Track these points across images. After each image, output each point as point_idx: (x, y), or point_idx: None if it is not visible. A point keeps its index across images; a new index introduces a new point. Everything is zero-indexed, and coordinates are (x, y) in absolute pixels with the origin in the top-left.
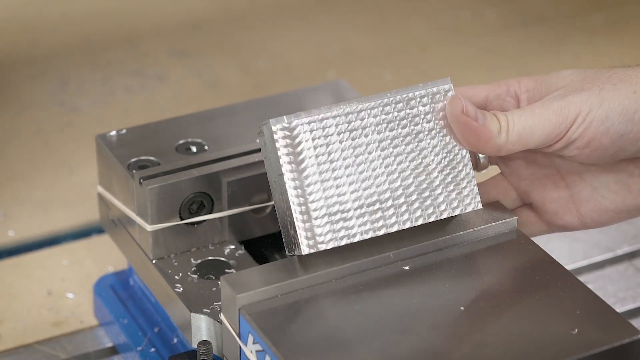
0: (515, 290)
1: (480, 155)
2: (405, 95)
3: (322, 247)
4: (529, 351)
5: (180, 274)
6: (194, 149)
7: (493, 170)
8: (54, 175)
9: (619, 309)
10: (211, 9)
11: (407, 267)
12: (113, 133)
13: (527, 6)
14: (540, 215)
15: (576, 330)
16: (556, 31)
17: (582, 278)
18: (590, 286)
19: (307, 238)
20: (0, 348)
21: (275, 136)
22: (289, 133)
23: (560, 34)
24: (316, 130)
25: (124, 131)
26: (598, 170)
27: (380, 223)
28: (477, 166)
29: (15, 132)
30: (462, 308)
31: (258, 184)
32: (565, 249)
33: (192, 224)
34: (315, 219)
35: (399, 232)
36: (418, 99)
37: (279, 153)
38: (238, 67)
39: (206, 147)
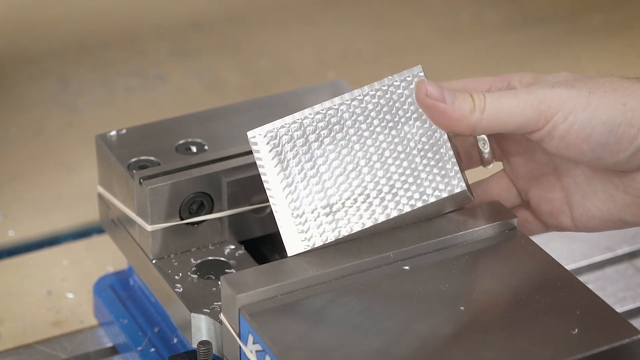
0: (515, 290)
1: (484, 150)
2: (376, 87)
3: (303, 248)
4: (529, 351)
5: (180, 274)
6: (194, 149)
7: (498, 166)
8: (54, 176)
9: (619, 309)
10: (211, 9)
11: (407, 267)
12: (113, 133)
13: (527, 7)
14: (536, 214)
15: (576, 330)
16: (556, 32)
17: (582, 278)
18: (590, 286)
19: (289, 240)
20: (0, 348)
21: (252, 146)
22: (262, 140)
23: (560, 35)
24: (289, 134)
25: (124, 131)
26: (591, 175)
27: (364, 217)
28: (482, 161)
29: (15, 132)
30: (462, 308)
31: (258, 184)
32: (565, 249)
33: (192, 224)
34: (295, 221)
35: (398, 232)
36: (390, 89)
37: (257, 161)
38: (238, 67)
39: (206, 147)
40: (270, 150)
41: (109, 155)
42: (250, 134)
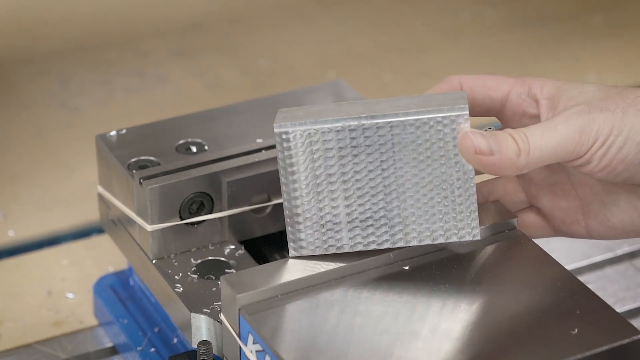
0: (515, 290)
1: None
2: (416, 118)
3: (306, 253)
4: (529, 351)
5: (180, 274)
6: (194, 149)
7: None
8: (54, 175)
9: (619, 309)
10: (211, 9)
11: (407, 267)
12: (113, 133)
13: (527, 7)
14: (548, 220)
15: (576, 330)
16: (556, 32)
17: (582, 278)
18: (590, 286)
19: (294, 242)
20: (0, 348)
21: (276, 139)
22: (290, 138)
23: (560, 35)
24: (318, 140)
25: (124, 131)
26: (610, 186)
27: (371, 239)
28: None
29: (15, 132)
30: (461, 308)
31: (258, 184)
32: (565, 249)
33: (192, 224)
34: (303, 225)
35: None
36: (430, 124)
37: (278, 155)
38: (238, 67)
39: (206, 147)
40: (296, 151)
41: (109, 155)
42: (277, 126)
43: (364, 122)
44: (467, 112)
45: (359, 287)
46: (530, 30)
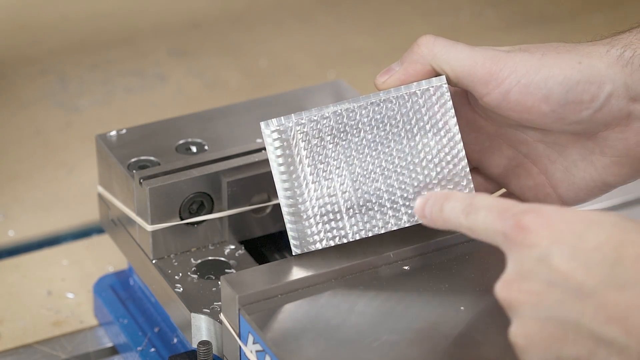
0: None
1: None
2: (396, 94)
3: (312, 247)
4: None
5: (180, 274)
6: (194, 149)
7: None
8: (54, 175)
9: None
10: (211, 9)
11: (407, 267)
12: (113, 133)
13: (527, 7)
14: (523, 201)
15: None
16: (556, 31)
17: None
18: None
19: (296, 239)
20: (0, 348)
21: (265, 138)
22: (278, 135)
23: (560, 35)
24: (305, 131)
25: (124, 131)
26: (562, 149)
27: (373, 223)
28: None
29: (15, 132)
30: (462, 308)
31: (258, 184)
32: None
33: (192, 224)
34: (305, 220)
35: (399, 232)
36: (409, 97)
37: (269, 155)
38: (238, 67)
39: (206, 147)
40: (286, 146)
41: (109, 155)
42: (264, 125)
43: (347, 105)
44: (445, 82)
45: (359, 287)
46: (530, 30)
